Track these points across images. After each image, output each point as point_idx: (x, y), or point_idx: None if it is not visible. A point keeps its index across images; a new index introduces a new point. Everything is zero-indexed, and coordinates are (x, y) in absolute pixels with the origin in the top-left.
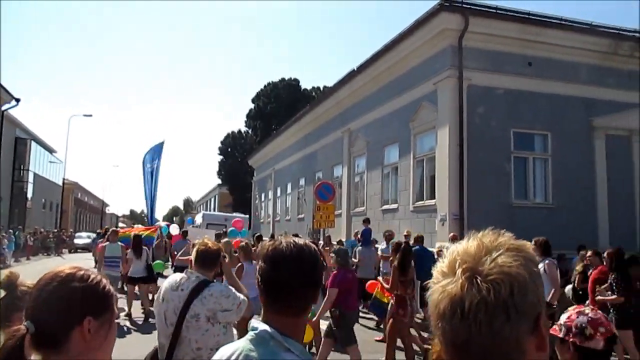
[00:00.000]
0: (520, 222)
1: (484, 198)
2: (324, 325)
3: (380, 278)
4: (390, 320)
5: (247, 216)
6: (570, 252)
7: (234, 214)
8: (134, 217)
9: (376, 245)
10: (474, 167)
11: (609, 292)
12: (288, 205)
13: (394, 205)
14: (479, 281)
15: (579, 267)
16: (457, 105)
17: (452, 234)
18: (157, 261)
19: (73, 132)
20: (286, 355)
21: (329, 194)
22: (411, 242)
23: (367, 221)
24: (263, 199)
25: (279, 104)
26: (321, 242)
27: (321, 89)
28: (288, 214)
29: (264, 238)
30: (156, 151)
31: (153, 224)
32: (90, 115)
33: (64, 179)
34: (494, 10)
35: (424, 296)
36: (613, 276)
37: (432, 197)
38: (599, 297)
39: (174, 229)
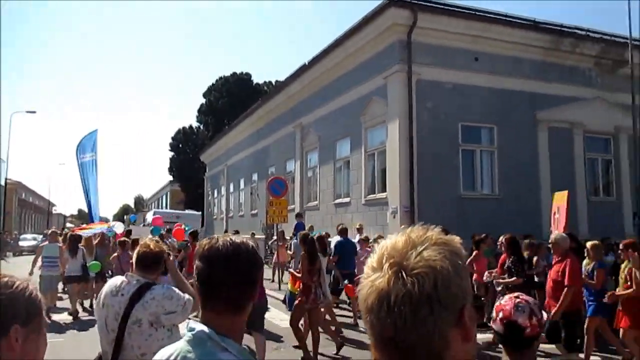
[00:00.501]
0: (469, 213)
1: (434, 190)
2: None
3: (291, 270)
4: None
5: (200, 213)
6: None
7: (186, 211)
8: (82, 217)
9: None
10: (423, 160)
11: (506, 275)
12: (241, 200)
13: (347, 199)
14: (404, 275)
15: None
16: (406, 99)
17: (403, 226)
18: (94, 262)
19: (16, 129)
20: (223, 355)
21: (282, 189)
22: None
23: (299, 215)
24: (216, 195)
25: (231, 99)
26: (275, 237)
27: (273, 83)
28: (241, 209)
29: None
30: (90, 141)
31: (94, 220)
32: (34, 112)
33: (6, 178)
34: (442, 7)
35: None
36: (510, 260)
37: (384, 190)
38: (498, 281)
39: (118, 228)
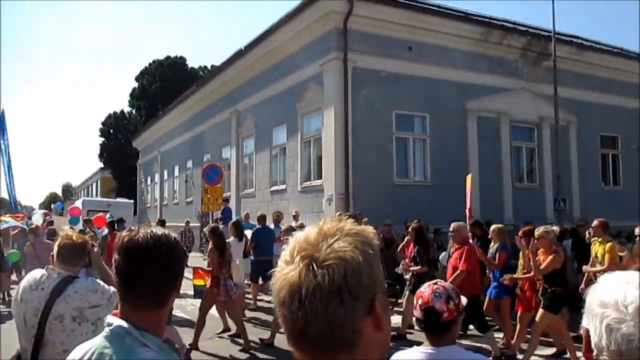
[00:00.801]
0: (402, 200)
1: (368, 177)
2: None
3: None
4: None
5: (132, 201)
6: (447, 227)
7: (118, 199)
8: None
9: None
10: (358, 148)
11: (412, 264)
12: (176, 188)
13: (283, 186)
14: (315, 267)
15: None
16: (342, 87)
17: (338, 212)
18: (12, 251)
19: None
20: (142, 350)
21: (217, 176)
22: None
23: (226, 200)
24: (149, 182)
25: (165, 83)
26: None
27: (208, 68)
28: (176, 197)
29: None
30: None
31: (16, 209)
32: None
33: None
34: None
35: None
36: (416, 249)
37: (319, 177)
38: (406, 269)
39: (37, 218)
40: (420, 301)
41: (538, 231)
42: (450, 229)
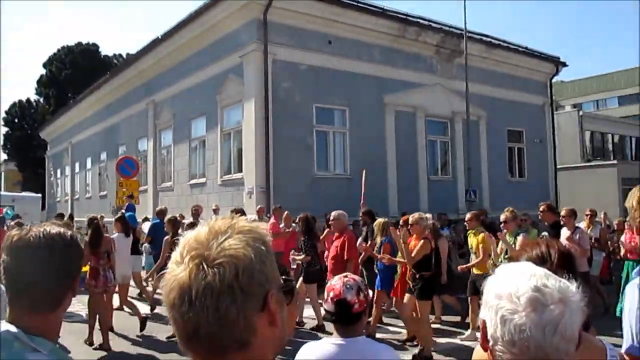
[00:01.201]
0: (322, 192)
1: (289, 170)
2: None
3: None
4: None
5: (40, 195)
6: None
7: (24, 194)
8: None
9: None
10: (279, 141)
11: (300, 253)
12: (88, 181)
13: (202, 180)
14: (205, 267)
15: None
16: (262, 79)
17: (259, 206)
18: None
19: None
20: (32, 355)
21: (132, 169)
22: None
23: (131, 197)
24: (59, 175)
25: (76, 71)
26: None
27: (124, 56)
28: (88, 191)
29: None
30: None
31: None
32: None
33: None
34: None
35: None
36: (302, 239)
37: (240, 170)
38: (293, 258)
39: None
40: (331, 294)
41: (412, 218)
42: (331, 218)
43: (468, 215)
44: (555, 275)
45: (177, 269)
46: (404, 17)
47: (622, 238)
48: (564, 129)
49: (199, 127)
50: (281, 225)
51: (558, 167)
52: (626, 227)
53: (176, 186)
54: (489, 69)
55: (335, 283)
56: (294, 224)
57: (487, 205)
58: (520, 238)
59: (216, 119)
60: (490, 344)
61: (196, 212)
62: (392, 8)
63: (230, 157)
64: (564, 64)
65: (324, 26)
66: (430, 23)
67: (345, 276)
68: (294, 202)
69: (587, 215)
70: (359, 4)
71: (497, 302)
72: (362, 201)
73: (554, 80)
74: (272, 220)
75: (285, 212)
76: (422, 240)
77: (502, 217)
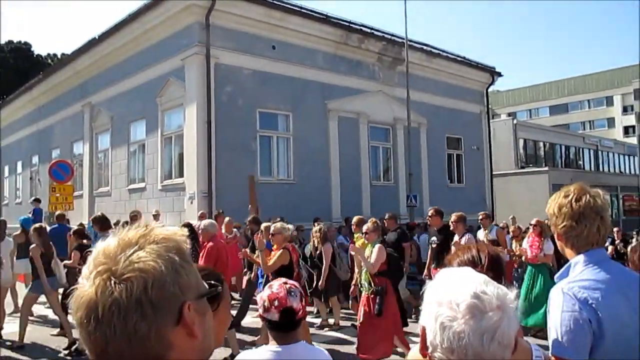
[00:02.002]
0: (266, 197)
1: (232, 175)
2: None
3: None
4: None
5: None
6: (308, 224)
7: None
8: None
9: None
10: (222, 145)
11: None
12: (19, 186)
13: (142, 184)
14: (112, 283)
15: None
16: (204, 83)
17: (201, 211)
18: None
19: None
20: None
21: (66, 174)
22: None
23: (37, 201)
24: None
25: (6, 70)
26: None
27: (58, 56)
28: (18, 196)
29: None
30: None
31: None
32: None
33: None
34: None
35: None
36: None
37: (181, 175)
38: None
39: None
40: (276, 302)
41: (274, 228)
42: (201, 227)
43: (354, 219)
44: (493, 281)
45: (85, 285)
46: (347, 24)
47: (524, 243)
48: (499, 137)
49: (138, 131)
50: (223, 232)
51: (494, 173)
52: (530, 231)
53: (114, 191)
54: (429, 77)
55: (278, 290)
56: (235, 230)
57: (427, 210)
58: (376, 248)
59: (156, 122)
60: (430, 350)
61: (133, 218)
62: (335, 15)
63: (171, 161)
64: (499, 74)
65: (268, 31)
66: (372, 31)
67: (286, 283)
68: (237, 207)
69: (480, 218)
70: (302, 10)
71: (437, 309)
72: (249, 207)
73: (490, 89)
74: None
75: (227, 218)
76: (280, 250)
77: (365, 228)
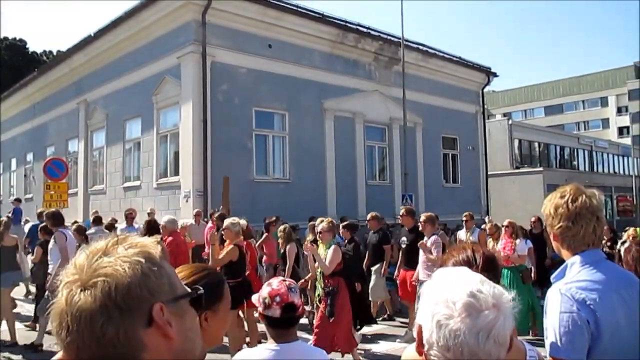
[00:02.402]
0: (261, 197)
1: (227, 174)
2: None
3: None
4: None
5: None
6: (304, 222)
7: None
8: None
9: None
10: (217, 144)
11: None
12: (13, 183)
13: (137, 183)
14: (79, 291)
15: (310, 237)
16: (200, 81)
17: (196, 210)
18: None
19: None
20: None
21: (61, 172)
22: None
23: (18, 200)
24: None
25: (1, 67)
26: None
27: (54, 53)
28: (12, 193)
29: None
30: None
31: None
32: None
33: None
34: None
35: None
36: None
37: (176, 173)
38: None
39: None
40: (278, 298)
41: (226, 222)
42: (161, 224)
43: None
44: (489, 281)
45: (58, 296)
46: (343, 23)
47: (498, 245)
48: (494, 137)
49: (133, 129)
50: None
51: (489, 173)
52: (503, 233)
53: (109, 189)
54: (425, 77)
55: (279, 287)
56: None
57: (422, 209)
58: (331, 249)
59: (152, 120)
60: (426, 348)
61: (129, 216)
62: (331, 14)
63: (167, 159)
64: (495, 74)
65: (264, 30)
66: (369, 30)
67: (284, 280)
68: (233, 206)
69: (464, 220)
70: (298, 9)
71: (434, 308)
72: (221, 208)
73: (485, 89)
74: (210, 224)
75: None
76: (231, 246)
77: (319, 228)
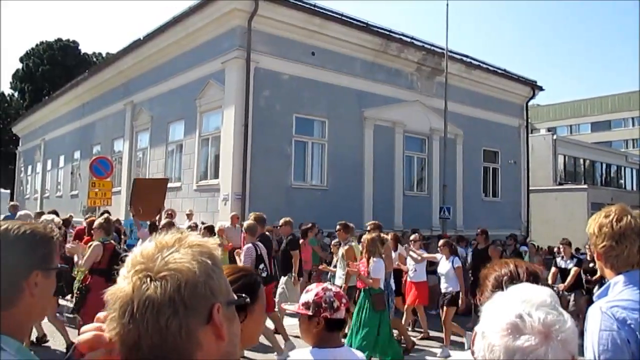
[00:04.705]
0: (298, 203)
1: (266, 179)
2: None
3: None
4: None
5: (8, 191)
6: None
7: None
8: None
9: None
10: (257, 149)
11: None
12: (60, 180)
13: (177, 184)
14: (148, 280)
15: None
16: (243, 86)
17: (233, 213)
18: None
19: None
20: None
21: (106, 170)
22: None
23: (14, 207)
24: (30, 172)
25: (54, 67)
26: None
27: (103, 55)
28: (59, 189)
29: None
30: None
31: None
32: None
33: None
34: None
35: None
36: None
37: (216, 176)
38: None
39: None
40: (344, 300)
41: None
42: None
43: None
44: (555, 307)
45: (123, 283)
46: (387, 33)
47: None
48: (537, 152)
49: (176, 131)
50: None
51: (530, 188)
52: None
53: None
54: (468, 88)
55: (334, 290)
56: (267, 233)
57: (460, 223)
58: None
59: (195, 123)
60: (474, 355)
61: (170, 216)
62: (375, 23)
63: (207, 162)
64: (541, 88)
65: (308, 37)
66: (412, 40)
67: (325, 284)
68: (269, 211)
69: (336, 229)
70: (342, 17)
71: (486, 319)
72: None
73: (530, 103)
74: None
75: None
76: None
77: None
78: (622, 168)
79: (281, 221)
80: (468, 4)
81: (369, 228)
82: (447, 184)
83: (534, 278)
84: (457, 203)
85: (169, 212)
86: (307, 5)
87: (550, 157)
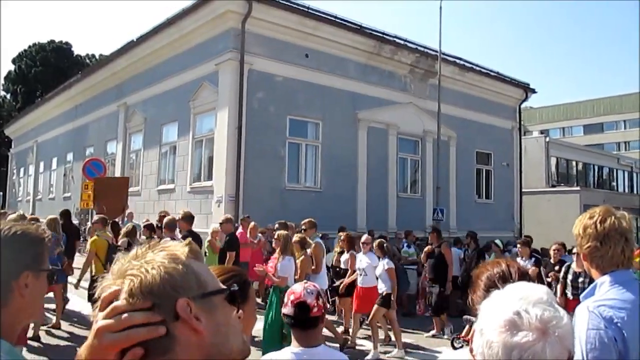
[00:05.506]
0: (292, 205)
1: (259, 181)
2: None
3: None
4: None
5: (0, 194)
6: (333, 232)
7: None
8: None
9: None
10: (251, 151)
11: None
12: (52, 182)
13: (171, 186)
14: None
15: (337, 248)
16: (237, 88)
17: (227, 215)
18: None
19: None
20: None
21: (99, 172)
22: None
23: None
24: (22, 174)
25: (47, 69)
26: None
27: (96, 57)
28: (52, 192)
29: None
30: None
31: None
32: None
33: None
34: (277, 0)
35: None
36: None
37: (210, 178)
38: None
39: None
40: (292, 297)
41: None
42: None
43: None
44: (552, 304)
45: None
46: (381, 35)
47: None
48: (530, 154)
49: (170, 133)
50: (247, 236)
51: (523, 190)
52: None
53: (144, 191)
54: (461, 91)
55: (296, 288)
56: (260, 235)
57: (453, 224)
58: None
59: (188, 125)
60: (473, 352)
61: (163, 217)
62: (369, 25)
63: (201, 164)
64: (533, 91)
65: (301, 39)
66: (406, 42)
67: (306, 282)
68: (263, 212)
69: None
70: (336, 19)
71: (484, 316)
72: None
73: (522, 105)
74: (240, 230)
75: (252, 223)
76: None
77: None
78: (615, 170)
79: (221, 218)
80: (461, 4)
81: (303, 227)
82: (441, 185)
83: (525, 277)
84: (451, 205)
85: (163, 214)
86: (301, 7)
87: (543, 159)
